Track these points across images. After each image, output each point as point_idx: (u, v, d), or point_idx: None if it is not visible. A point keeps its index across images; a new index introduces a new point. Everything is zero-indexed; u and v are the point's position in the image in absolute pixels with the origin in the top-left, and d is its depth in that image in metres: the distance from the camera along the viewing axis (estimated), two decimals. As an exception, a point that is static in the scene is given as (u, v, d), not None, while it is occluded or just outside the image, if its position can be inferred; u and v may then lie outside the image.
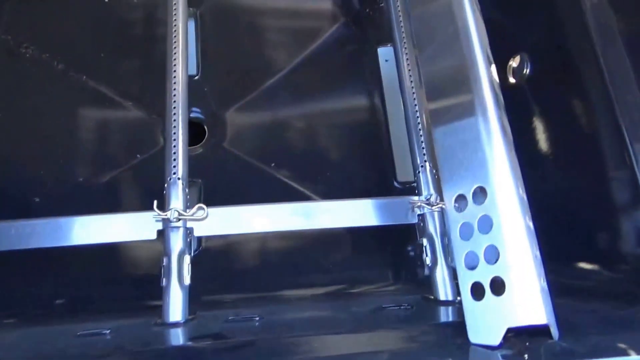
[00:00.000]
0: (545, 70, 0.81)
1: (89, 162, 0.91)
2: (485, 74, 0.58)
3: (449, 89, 0.61)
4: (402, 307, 0.73)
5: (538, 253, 0.53)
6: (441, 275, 0.77)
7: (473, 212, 0.55)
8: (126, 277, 0.85)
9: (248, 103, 1.00)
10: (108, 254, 0.83)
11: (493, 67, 0.61)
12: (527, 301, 0.51)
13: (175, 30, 0.81)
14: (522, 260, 0.51)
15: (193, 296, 0.74)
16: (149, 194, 0.87)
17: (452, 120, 0.59)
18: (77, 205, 0.89)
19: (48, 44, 0.94)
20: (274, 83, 1.01)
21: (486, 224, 0.54)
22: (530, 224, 0.54)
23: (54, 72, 0.93)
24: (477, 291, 0.54)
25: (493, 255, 0.53)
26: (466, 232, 0.56)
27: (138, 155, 0.93)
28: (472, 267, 0.54)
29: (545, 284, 0.53)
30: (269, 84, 1.01)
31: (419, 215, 0.80)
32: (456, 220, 0.57)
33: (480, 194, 0.55)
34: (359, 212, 0.80)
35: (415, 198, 0.80)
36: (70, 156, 0.91)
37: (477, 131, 0.57)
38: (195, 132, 0.97)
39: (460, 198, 0.57)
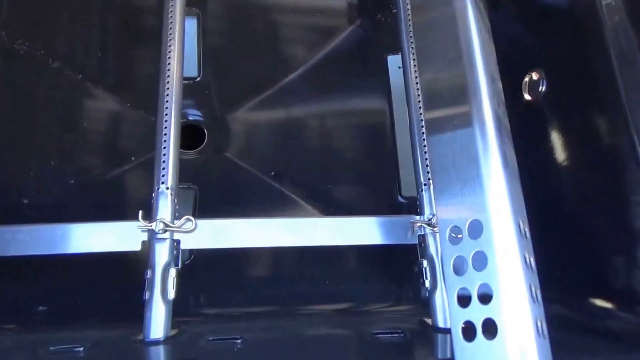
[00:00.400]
0: (562, 88, 0.75)
1: (81, 164, 0.88)
2: (487, 90, 0.53)
3: (446, 106, 0.56)
4: (395, 335, 0.68)
5: (538, 294, 0.48)
6: (440, 300, 0.72)
7: (467, 246, 0.51)
8: (112, 287, 0.81)
9: (251, 108, 0.96)
10: (93, 261, 0.79)
11: (498, 84, 0.56)
12: (520, 348, 0.46)
13: (171, 29, 0.78)
14: (517, 304, 0.46)
15: (181, 308, 0.71)
16: (141, 198, 0.84)
17: (448, 143, 0.54)
18: (68, 208, 0.86)
19: (44, 41, 0.91)
20: (279, 88, 0.97)
21: (481, 261, 0.49)
22: (532, 262, 0.49)
23: (49, 69, 0.90)
24: (469, 331, 0.49)
25: (486, 295, 0.48)
26: (460, 267, 0.51)
27: (133, 158, 0.90)
28: (464, 305, 0.50)
29: (544, 327, 0.48)
30: (274, 89, 0.97)
31: (419, 235, 0.75)
32: (450, 253, 0.52)
33: (476, 227, 0.50)
34: (356, 230, 0.75)
35: (417, 217, 0.75)
36: (62, 157, 0.88)
37: (475, 158, 0.52)
38: (195, 135, 0.94)
39: (456, 229, 0.52)
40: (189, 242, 0.72)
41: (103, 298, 0.80)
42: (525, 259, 0.48)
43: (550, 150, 0.78)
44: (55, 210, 0.85)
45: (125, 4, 0.98)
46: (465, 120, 0.53)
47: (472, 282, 0.49)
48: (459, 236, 0.53)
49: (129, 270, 0.78)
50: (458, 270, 0.51)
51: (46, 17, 0.93)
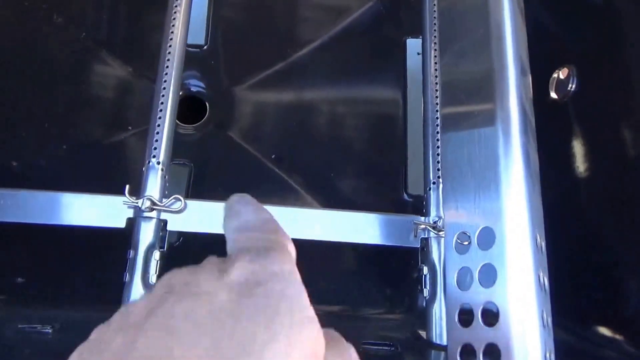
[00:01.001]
0: (595, 88, 0.68)
1: (76, 129, 0.83)
2: (515, 83, 0.47)
3: (468, 97, 0.50)
4: (384, 347, 0.62)
5: (550, 321, 0.43)
6: (439, 313, 0.66)
7: (475, 256, 0.45)
8: (95, 265, 0.76)
9: (257, 84, 0.90)
10: (76, 235, 0.74)
11: (528, 78, 0.50)
12: (525, 382, 0.40)
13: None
14: (526, 331, 0.41)
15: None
16: (134, 171, 0.79)
17: (465, 137, 0.48)
18: (57, 175, 0.81)
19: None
20: (288, 65, 0.91)
21: (489, 276, 0.43)
22: (546, 283, 0.43)
23: (53, 24, 0.85)
24: (468, 356, 0.43)
25: (492, 316, 0.42)
26: (464, 280, 0.45)
27: (130, 128, 0.85)
28: (465, 324, 0.44)
29: (552, 358, 0.42)
30: (283, 65, 0.91)
31: (422, 238, 0.69)
32: (454, 262, 0.47)
33: (488, 236, 0.44)
34: (354, 227, 0.69)
35: (421, 219, 0.69)
36: (57, 119, 0.83)
37: (494, 157, 0.46)
38: (195, 109, 0.88)
39: (464, 236, 0.47)
40: (176, 224, 0.67)
41: (83, 276, 0.75)
42: (539, 278, 0.42)
43: (571, 156, 0.71)
44: (44, 176, 0.81)
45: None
46: (488, 115, 0.47)
47: (477, 300, 0.44)
48: (467, 244, 0.47)
49: (113, 248, 0.73)
50: (462, 283, 0.45)
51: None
